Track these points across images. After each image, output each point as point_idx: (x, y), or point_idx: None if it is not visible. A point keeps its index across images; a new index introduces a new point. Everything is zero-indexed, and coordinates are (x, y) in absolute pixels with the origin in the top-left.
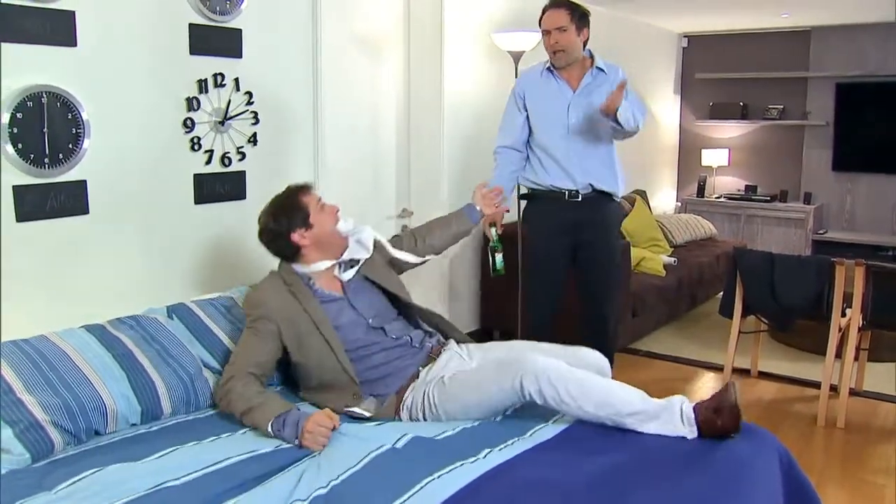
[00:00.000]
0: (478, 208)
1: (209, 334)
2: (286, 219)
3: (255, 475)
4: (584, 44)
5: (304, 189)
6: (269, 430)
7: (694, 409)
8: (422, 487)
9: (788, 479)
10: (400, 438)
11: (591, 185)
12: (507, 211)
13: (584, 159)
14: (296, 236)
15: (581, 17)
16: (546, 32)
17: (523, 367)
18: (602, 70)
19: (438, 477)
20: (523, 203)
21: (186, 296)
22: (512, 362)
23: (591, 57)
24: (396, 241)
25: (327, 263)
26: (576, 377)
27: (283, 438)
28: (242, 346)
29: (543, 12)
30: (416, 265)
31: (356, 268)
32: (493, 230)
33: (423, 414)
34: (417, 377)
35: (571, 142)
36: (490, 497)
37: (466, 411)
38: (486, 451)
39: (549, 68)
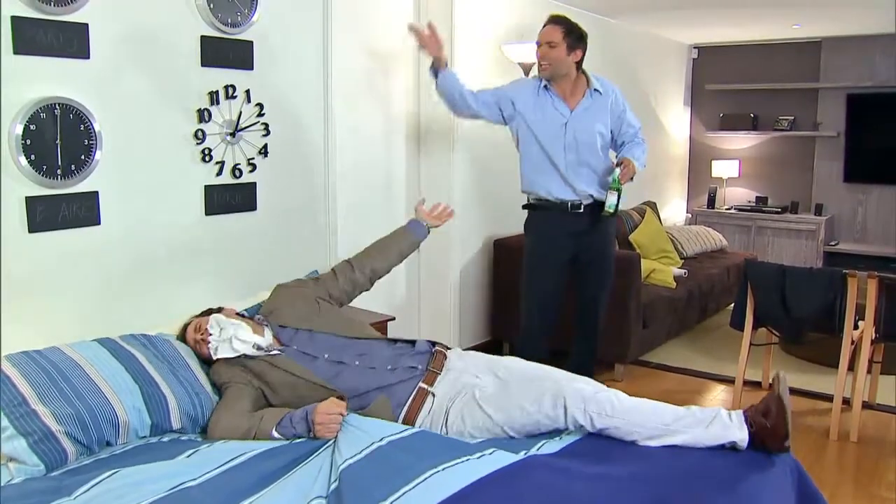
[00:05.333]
0: (424, 223)
1: None
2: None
3: (272, 469)
4: (578, 65)
5: (183, 338)
6: (277, 435)
7: (744, 413)
8: (424, 479)
9: (801, 493)
10: (405, 429)
11: (591, 195)
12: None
13: (583, 172)
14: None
15: (577, 39)
16: (538, 44)
17: (562, 389)
18: (598, 91)
19: (442, 470)
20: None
21: (195, 308)
22: (544, 380)
23: (586, 76)
24: (331, 275)
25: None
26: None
27: (297, 436)
28: (223, 400)
29: (544, 25)
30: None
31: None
32: (616, 171)
33: (448, 431)
34: (427, 393)
35: (570, 156)
36: (494, 496)
37: (500, 427)
38: (493, 449)
39: (545, 86)
